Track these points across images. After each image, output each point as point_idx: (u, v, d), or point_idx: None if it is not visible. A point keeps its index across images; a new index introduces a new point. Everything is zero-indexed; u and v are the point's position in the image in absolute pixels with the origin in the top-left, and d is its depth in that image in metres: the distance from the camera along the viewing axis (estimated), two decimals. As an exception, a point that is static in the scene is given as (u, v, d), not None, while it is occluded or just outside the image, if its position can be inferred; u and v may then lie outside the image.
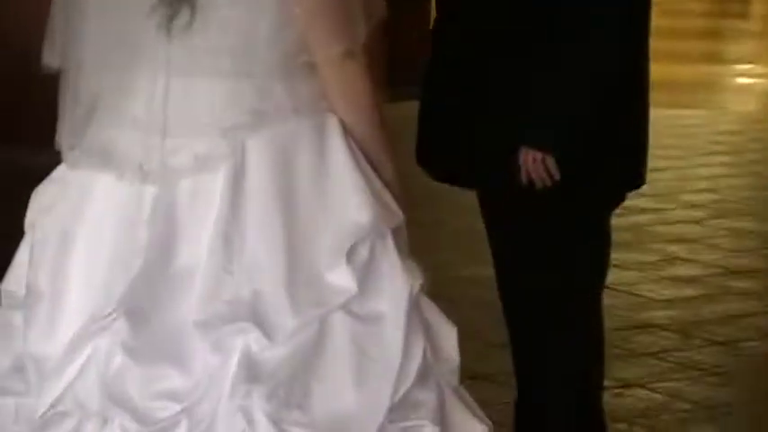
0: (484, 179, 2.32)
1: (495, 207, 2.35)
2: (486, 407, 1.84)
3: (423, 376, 1.65)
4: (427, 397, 1.65)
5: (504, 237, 2.38)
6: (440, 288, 1.84)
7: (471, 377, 2.30)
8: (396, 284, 1.67)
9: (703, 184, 6.10)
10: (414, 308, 1.67)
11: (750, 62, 9.90)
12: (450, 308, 1.79)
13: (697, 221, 5.42)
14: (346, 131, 1.71)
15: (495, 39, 2.29)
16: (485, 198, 2.34)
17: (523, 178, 2.19)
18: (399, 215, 1.72)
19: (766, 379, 3.78)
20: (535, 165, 2.19)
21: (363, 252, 1.66)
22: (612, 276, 3.12)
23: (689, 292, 4.44)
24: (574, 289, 2.36)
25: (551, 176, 2.18)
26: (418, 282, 1.69)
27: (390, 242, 1.69)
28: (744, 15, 12.48)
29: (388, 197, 1.73)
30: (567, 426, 2.35)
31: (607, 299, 2.80)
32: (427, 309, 1.73)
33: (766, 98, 9.02)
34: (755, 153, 6.78)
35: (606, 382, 2.61)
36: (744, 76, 9.47)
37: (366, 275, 1.66)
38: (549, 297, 2.31)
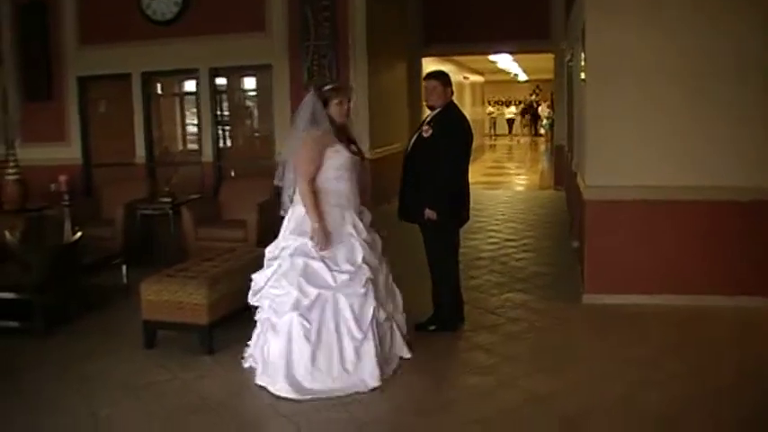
0: (419, 218, 5.09)
1: (422, 226, 5.10)
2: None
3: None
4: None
5: (426, 234, 5.12)
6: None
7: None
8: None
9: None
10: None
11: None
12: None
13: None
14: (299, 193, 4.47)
15: (415, 170, 5.03)
16: (421, 224, 5.10)
17: (425, 217, 5.04)
18: (369, 215, 4.69)
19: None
20: (429, 214, 5.02)
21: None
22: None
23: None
24: (448, 252, 5.18)
25: (434, 218, 5.02)
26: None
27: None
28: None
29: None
30: (450, 295, 5.27)
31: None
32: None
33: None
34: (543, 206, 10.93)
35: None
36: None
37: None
38: (440, 253, 5.15)
